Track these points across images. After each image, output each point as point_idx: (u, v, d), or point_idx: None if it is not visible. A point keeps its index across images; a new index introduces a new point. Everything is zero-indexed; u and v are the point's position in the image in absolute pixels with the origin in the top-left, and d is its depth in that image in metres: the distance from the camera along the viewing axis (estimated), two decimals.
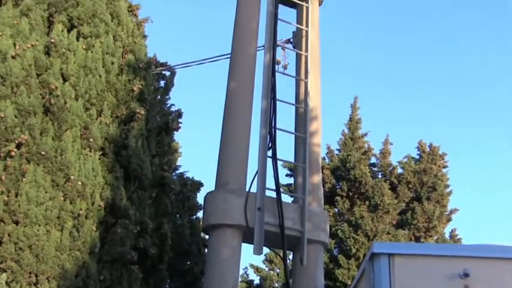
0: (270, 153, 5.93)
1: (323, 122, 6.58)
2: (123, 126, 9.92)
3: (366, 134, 18.40)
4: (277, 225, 5.76)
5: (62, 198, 8.76)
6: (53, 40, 9.74)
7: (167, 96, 12.06)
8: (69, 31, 10.13)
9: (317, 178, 6.29)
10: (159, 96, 11.62)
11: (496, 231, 27.81)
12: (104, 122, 9.60)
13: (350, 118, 18.59)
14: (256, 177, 5.81)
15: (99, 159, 9.45)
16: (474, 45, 33.31)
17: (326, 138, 19.75)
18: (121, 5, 10.91)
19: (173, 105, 12.11)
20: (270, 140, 5.93)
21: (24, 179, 8.60)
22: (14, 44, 9.47)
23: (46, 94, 9.35)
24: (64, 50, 9.75)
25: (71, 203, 8.82)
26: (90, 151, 9.32)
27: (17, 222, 8.45)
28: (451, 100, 33.14)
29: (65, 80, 9.60)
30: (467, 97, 33.06)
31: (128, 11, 11.50)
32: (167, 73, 12.13)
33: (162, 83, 12.11)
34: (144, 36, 11.81)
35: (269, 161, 5.93)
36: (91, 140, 9.34)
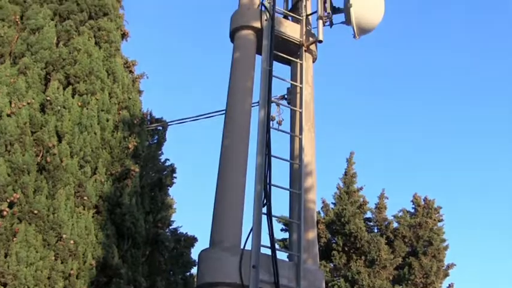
0: (265, 210, 5.88)
1: (318, 177, 6.57)
2: (117, 183, 9.89)
3: (361, 188, 18.40)
4: (272, 283, 5.65)
5: (53, 258, 8.62)
6: (48, 98, 9.83)
7: (160, 152, 12.10)
8: (65, 88, 10.24)
9: (312, 235, 6.22)
10: (152, 152, 11.65)
11: (494, 286, 27.46)
12: (98, 180, 9.57)
13: (345, 172, 18.63)
14: (251, 234, 5.74)
15: (93, 217, 9.37)
16: (468, 95, 33.85)
17: (321, 192, 19.73)
18: (117, 61, 11.07)
19: (168, 159, 12.14)
20: (265, 197, 5.89)
21: (15, 239, 8.48)
22: (10, 102, 9.55)
23: (40, 152, 9.35)
24: (59, 107, 9.83)
25: (62, 263, 8.67)
26: (84, 209, 9.24)
27: (5, 285, 8.26)
28: (446, 152, 33.37)
29: (59, 138, 9.63)
30: (461, 149, 33.32)
31: (125, 67, 11.67)
32: (161, 128, 12.22)
33: (156, 138, 12.18)
34: (140, 92, 11.95)
35: (264, 217, 5.87)
36: (85, 198, 9.28)
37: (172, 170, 12.00)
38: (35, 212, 8.71)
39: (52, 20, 10.92)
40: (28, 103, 9.59)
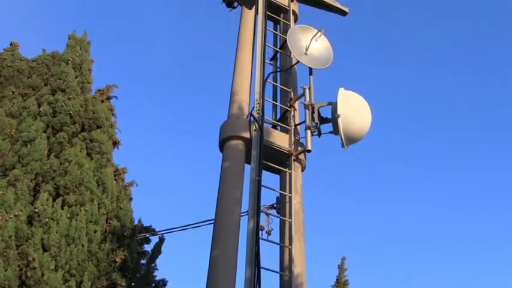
0: None
1: (309, 285, 6.35)
2: None
3: None
4: None
5: None
6: (36, 210, 9.73)
7: (153, 265, 11.78)
8: (54, 200, 10.16)
9: None
10: (142, 261, 11.37)
11: None
12: None
13: (337, 279, 18.19)
14: None
15: None
16: (461, 195, 33.88)
17: None
18: (107, 172, 11.10)
19: (157, 269, 11.79)
20: None
21: None
22: None
23: (24, 266, 9.09)
24: (47, 219, 9.70)
25: None
26: None
27: None
28: (436, 248, 32.80)
29: (45, 251, 9.40)
30: (451, 243, 32.80)
31: (115, 174, 11.67)
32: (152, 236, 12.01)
33: (147, 247, 11.92)
34: (130, 199, 11.86)
35: None
36: None
37: (163, 283, 11.63)
38: None
39: (45, 132, 11.07)
40: (15, 215, 9.46)
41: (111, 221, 10.67)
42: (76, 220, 9.96)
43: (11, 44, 13.05)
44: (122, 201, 11.21)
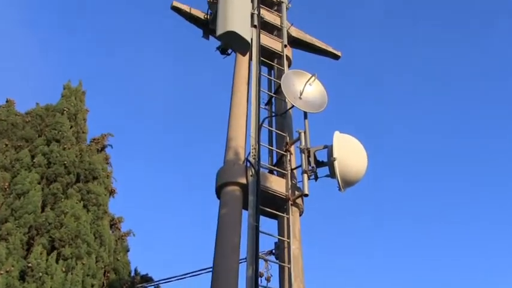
0: None
1: None
2: None
3: None
4: None
5: None
6: (30, 264, 9.52)
7: None
8: (49, 253, 9.97)
9: None
10: None
11: None
12: None
13: None
14: None
15: None
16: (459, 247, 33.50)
17: None
18: (104, 224, 10.96)
19: None
20: None
21: None
22: None
23: None
24: (41, 274, 9.48)
25: None
26: None
27: None
28: None
29: None
30: None
31: (111, 224, 11.54)
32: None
33: None
34: (127, 250, 11.69)
35: None
36: None
37: None
38: None
39: (39, 183, 10.97)
40: (7, 271, 9.24)
41: (108, 274, 10.47)
42: (72, 274, 9.75)
43: (6, 101, 13.14)
44: (119, 253, 11.04)
